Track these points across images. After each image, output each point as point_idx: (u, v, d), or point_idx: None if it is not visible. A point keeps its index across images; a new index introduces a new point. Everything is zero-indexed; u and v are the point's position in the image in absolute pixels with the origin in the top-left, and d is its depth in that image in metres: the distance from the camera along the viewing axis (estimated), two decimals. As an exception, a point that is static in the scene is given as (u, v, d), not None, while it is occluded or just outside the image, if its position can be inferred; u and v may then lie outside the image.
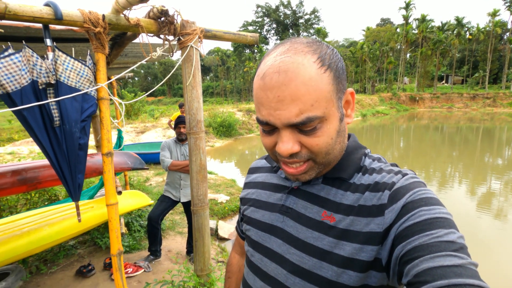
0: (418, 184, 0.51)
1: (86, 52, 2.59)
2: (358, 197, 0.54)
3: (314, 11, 60.60)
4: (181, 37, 1.63)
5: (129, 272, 2.92)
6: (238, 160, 10.51)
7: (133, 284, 2.87)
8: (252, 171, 0.79)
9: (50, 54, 1.22)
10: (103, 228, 3.80)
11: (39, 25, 1.31)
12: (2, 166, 3.07)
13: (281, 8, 60.90)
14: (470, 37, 39.85)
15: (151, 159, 8.12)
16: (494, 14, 37.61)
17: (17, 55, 1.11)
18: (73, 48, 1.50)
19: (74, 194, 1.38)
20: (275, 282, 0.60)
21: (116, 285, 1.50)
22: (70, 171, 1.30)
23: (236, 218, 5.12)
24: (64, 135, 1.24)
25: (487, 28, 38.71)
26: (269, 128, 0.52)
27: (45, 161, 3.38)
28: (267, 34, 63.06)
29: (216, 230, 4.41)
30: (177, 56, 1.57)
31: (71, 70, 1.24)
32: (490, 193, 6.30)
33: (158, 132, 13.76)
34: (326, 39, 52.24)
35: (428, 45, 40.54)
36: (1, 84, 1.09)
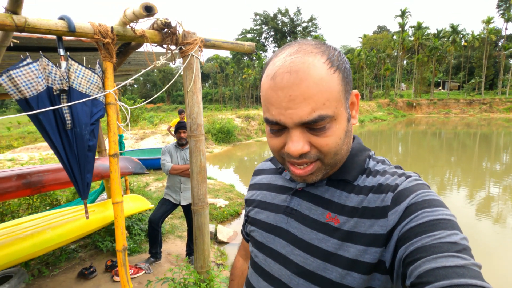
0: (422, 186, 0.51)
1: (90, 60, 2.71)
2: (362, 199, 0.54)
3: (311, 19, 61.47)
4: (182, 47, 1.75)
5: (130, 273, 2.99)
6: (236, 166, 10.59)
7: (135, 285, 2.93)
8: (257, 173, 0.80)
9: (63, 63, 1.34)
10: (104, 232, 3.86)
11: (51, 36, 1.42)
12: (7, 171, 3.16)
13: (279, 16, 61.76)
14: (466, 44, 40.50)
15: (151, 165, 8.20)
16: (488, 21, 38.31)
17: (34, 64, 1.22)
18: (84, 58, 1.61)
19: (83, 192, 1.48)
20: (279, 283, 0.60)
21: (121, 279, 1.58)
22: (79, 171, 1.40)
23: (235, 222, 5.19)
24: (75, 137, 1.34)
25: (482, 35, 39.38)
26: (278, 128, 0.52)
27: (49, 166, 3.48)
28: (265, 41, 63.76)
29: (215, 234, 4.48)
30: (176, 63, 1.66)
31: (82, 77, 1.35)
32: (489, 198, 6.36)
33: (157, 138, 13.85)
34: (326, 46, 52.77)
35: (424, 52, 41.12)
36: (20, 90, 1.20)
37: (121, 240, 1.54)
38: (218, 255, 3.88)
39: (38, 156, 9.99)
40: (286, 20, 61.91)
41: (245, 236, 0.84)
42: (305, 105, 0.47)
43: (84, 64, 1.40)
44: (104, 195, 4.53)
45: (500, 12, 40.75)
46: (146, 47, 1.73)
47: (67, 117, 1.32)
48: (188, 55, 1.74)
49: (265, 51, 61.97)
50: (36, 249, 2.93)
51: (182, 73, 1.83)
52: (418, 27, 41.90)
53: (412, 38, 43.07)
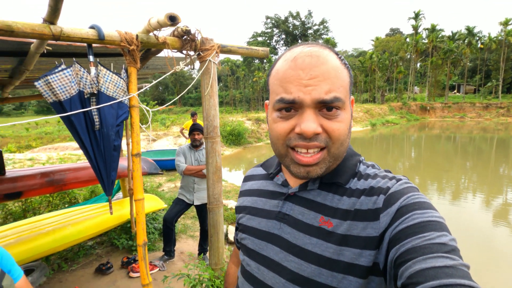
0: (412, 189, 0.52)
1: (109, 64, 2.85)
2: (354, 201, 0.55)
3: (323, 22, 61.33)
4: (200, 52, 1.83)
5: (145, 270, 3.09)
6: (247, 168, 10.67)
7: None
8: (247, 179, 0.79)
9: (93, 69, 1.44)
10: (119, 230, 3.99)
11: (81, 44, 1.53)
12: (32, 169, 3.33)
13: (290, 19, 61.90)
14: (482, 46, 39.47)
15: (163, 166, 8.37)
16: (506, 23, 37.26)
17: (68, 69, 1.33)
18: (112, 64, 1.72)
19: (108, 189, 1.58)
20: None
21: (141, 273, 1.67)
22: (105, 168, 1.49)
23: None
24: (102, 137, 1.44)
25: (499, 37, 38.31)
26: (291, 107, 0.52)
27: (69, 165, 3.64)
28: (276, 44, 63.95)
29: (226, 234, 4.55)
30: (187, 67, 1.75)
31: (110, 82, 1.45)
32: (507, 205, 6.19)
33: (169, 140, 14.12)
34: (335, 49, 52.58)
35: (438, 55, 40.33)
36: (55, 94, 1.31)
37: (142, 235, 1.63)
38: (229, 255, 3.95)
39: (55, 156, 10.36)
40: (297, 23, 61.99)
41: (237, 244, 0.83)
42: (325, 84, 0.50)
43: (110, 69, 1.50)
44: (120, 194, 4.67)
45: (519, 13, 39.46)
46: (166, 53, 1.83)
47: (96, 118, 1.42)
48: (206, 61, 1.83)
49: (276, 54, 62.12)
50: (57, 244, 3.07)
51: (198, 77, 1.92)
52: (432, 30, 41.17)
53: (426, 41, 42.33)
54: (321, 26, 61.51)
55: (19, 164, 8.90)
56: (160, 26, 1.46)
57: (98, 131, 1.43)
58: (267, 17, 62.74)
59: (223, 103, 60.54)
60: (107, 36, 1.43)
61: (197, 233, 4.25)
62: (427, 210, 0.47)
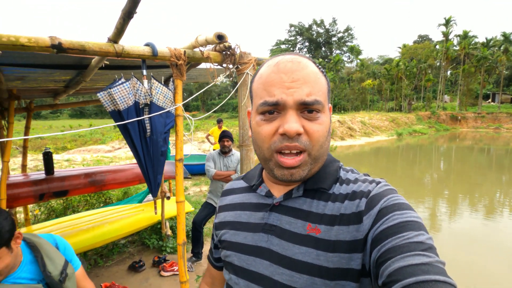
0: (391, 191, 0.54)
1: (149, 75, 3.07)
2: (339, 206, 0.55)
3: (347, 29, 60.72)
4: (239, 66, 1.96)
5: (175, 270, 3.23)
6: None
7: (177, 281, 3.16)
8: (226, 193, 0.77)
9: (145, 82, 1.60)
10: (150, 230, 4.19)
11: (129, 58, 1.70)
12: (76, 170, 3.61)
13: (314, 26, 61.89)
14: (520, 53, 37.16)
15: (189, 170, 8.63)
16: (547, 29, 34.87)
17: (127, 83, 1.50)
18: (162, 77, 1.88)
19: (155, 190, 1.72)
20: None
21: (179, 270, 1.79)
22: (153, 172, 1.64)
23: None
24: (152, 143, 1.59)
25: (540, 44, 35.90)
26: (273, 110, 0.54)
27: (108, 167, 3.90)
28: (299, 52, 63.92)
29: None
30: (226, 78, 1.87)
31: (160, 93, 1.60)
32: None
33: (193, 145, 14.52)
34: (360, 57, 51.79)
35: (471, 62, 38.49)
36: (115, 104, 1.47)
37: (182, 235, 1.75)
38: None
39: (89, 158, 11.02)
40: (321, 30, 61.83)
41: (213, 263, 0.80)
42: (306, 87, 0.52)
43: (156, 81, 1.66)
44: (150, 196, 4.90)
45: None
46: (205, 65, 1.98)
47: (147, 126, 1.57)
48: (244, 73, 1.95)
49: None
50: (96, 241, 3.29)
51: (235, 88, 2.04)
52: (465, 36, 39.43)
53: (458, 48, 40.58)
54: (346, 34, 60.91)
55: (57, 164, 9.55)
56: (207, 43, 1.60)
57: (148, 138, 1.58)
58: (291, 25, 63.14)
59: (245, 109, 60.92)
60: (159, 52, 1.58)
61: (223, 237, 4.35)
62: (406, 210, 0.49)
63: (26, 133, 3.61)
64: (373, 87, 43.80)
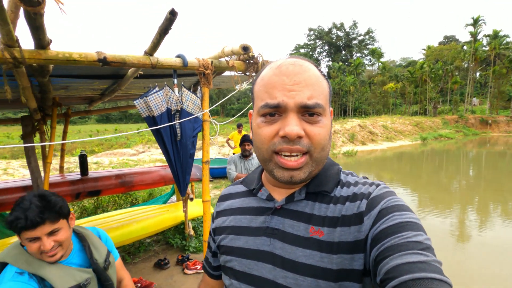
0: (391, 193, 0.55)
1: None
2: (340, 208, 0.56)
3: (368, 32, 59.65)
4: (261, 73, 2.08)
5: (197, 268, 3.37)
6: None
7: (199, 278, 3.29)
8: (224, 198, 0.76)
9: (176, 90, 1.75)
10: (173, 230, 4.38)
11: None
12: (108, 171, 3.87)
13: (334, 30, 61.34)
14: (558, 52, 34.81)
15: (210, 174, 8.82)
16: None
17: (161, 91, 1.65)
18: (192, 86, 2.03)
19: (183, 189, 1.86)
20: None
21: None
22: (182, 172, 1.78)
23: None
24: (181, 146, 1.73)
25: None
26: (274, 112, 0.54)
27: (136, 169, 4.13)
28: (319, 56, 63.62)
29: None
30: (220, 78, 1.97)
31: (190, 100, 1.74)
32: None
33: (213, 149, 14.81)
34: (382, 59, 50.62)
35: (502, 63, 36.52)
36: (150, 110, 1.63)
37: (207, 232, 1.86)
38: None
39: (116, 161, 11.57)
40: (341, 34, 61.14)
41: (210, 271, 0.78)
42: (307, 90, 0.52)
43: (184, 89, 1.80)
44: (174, 198, 5.10)
45: None
46: (231, 73, 2.10)
47: (178, 131, 1.72)
48: (266, 80, 2.07)
49: (319, 65, 61.68)
50: (124, 238, 3.49)
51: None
52: (495, 36, 37.55)
53: (487, 48, 38.66)
54: (367, 36, 59.82)
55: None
56: (232, 53, 1.73)
57: (179, 141, 1.72)
58: (310, 29, 62.96)
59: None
60: (189, 63, 1.73)
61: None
62: (405, 212, 0.50)
63: (64, 137, 3.92)
64: (395, 90, 42.60)
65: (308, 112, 0.53)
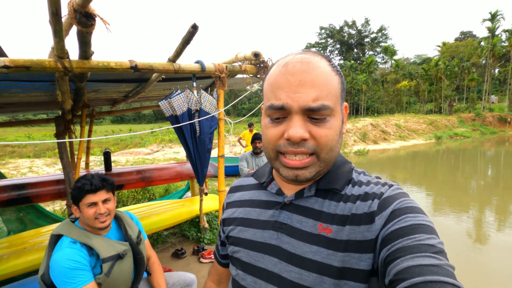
0: (404, 194, 0.54)
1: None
2: (351, 206, 0.55)
3: (381, 29, 58.70)
4: (271, 76, 2.28)
5: (212, 257, 3.61)
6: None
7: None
8: (234, 189, 0.76)
9: (195, 92, 1.98)
10: (189, 223, 4.64)
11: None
12: (129, 167, 4.16)
13: (346, 28, 60.68)
14: None
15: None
16: None
17: (182, 93, 1.88)
18: (209, 88, 2.26)
19: (202, 180, 2.09)
20: None
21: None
22: (201, 165, 2.00)
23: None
24: (200, 142, 1.96)
25: None
26: (280, 115, 0.53)
27: (154, 166, 4.41)
28: (330, 54, 63.08)
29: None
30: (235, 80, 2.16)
31: (207, 101, 1.97)
32: None
33: (225, 148, 15.14)
34: (395, 57, 49.76)
35: (522, 59, 35.19)
36: (173, 110, 1.86)
37: (223, 219, 2.09)
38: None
39: (132, 160, 12.04)
40: (353, 32, 60.41)
41: (220, 260, 0.80)
42: (312, 92, 0.50)
43: (201, 90, 2.02)
44: (189, 193, 5.37)
45: None
46: (244, 76, 2.32)
47: (197, 128, 1.94)
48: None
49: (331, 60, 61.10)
50: (145, 229, 3.76)
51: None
52: (514, 31, 36.22)
53: (506, 44, 37.38)
54: (379, 34, 58.89)
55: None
56: (245, 59, 1.94)
57: (198, 138, 1.95)
58: (321, 28, 62.49)
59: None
60: (207, 68, 1.95)
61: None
62: (419, 214, 0.49)
63: (89, 136, 4.25)
64: (409, 88, 41.82)
65: (313, 114, 0.52)
